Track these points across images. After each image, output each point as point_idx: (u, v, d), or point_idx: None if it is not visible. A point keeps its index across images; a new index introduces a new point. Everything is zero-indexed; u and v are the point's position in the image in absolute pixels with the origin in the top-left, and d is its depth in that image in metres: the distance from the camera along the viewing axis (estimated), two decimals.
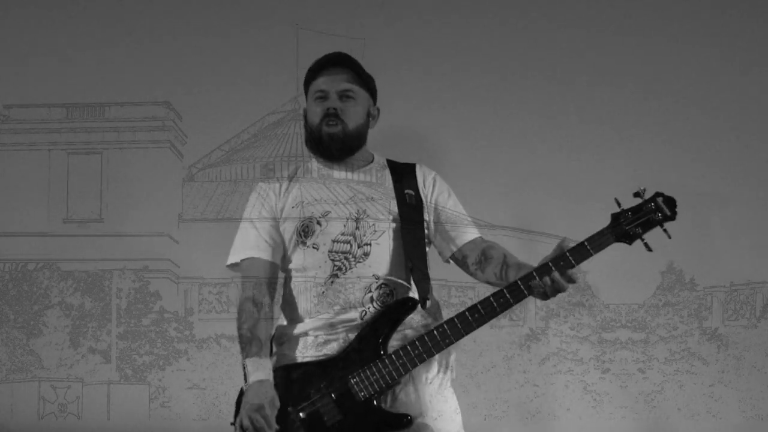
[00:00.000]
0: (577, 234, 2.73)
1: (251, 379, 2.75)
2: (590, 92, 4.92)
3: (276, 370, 2.81)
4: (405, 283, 2.85)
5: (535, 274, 2.67)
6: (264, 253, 2.88)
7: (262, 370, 2.77)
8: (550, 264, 2.66)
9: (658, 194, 2.66)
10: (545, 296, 2.71)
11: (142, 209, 5.02)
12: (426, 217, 2.93)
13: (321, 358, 2.81)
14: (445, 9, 4.98)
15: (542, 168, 4.77)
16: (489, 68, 4.95)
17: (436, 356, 2.79)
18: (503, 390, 4.86)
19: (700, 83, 4.91)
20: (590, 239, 2.68)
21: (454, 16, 4.98)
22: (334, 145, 2.87)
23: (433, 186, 2.96)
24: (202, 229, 5.02)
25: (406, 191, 2.91)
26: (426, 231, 2.93)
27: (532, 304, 4.89)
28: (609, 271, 4.84)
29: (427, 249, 2.93)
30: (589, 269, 4.87)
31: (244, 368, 2.78)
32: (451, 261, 2.97)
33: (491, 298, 2.72)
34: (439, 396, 2.85)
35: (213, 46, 5.03)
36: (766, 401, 4.81)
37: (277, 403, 2.73)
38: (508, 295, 2.70)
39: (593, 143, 4.87)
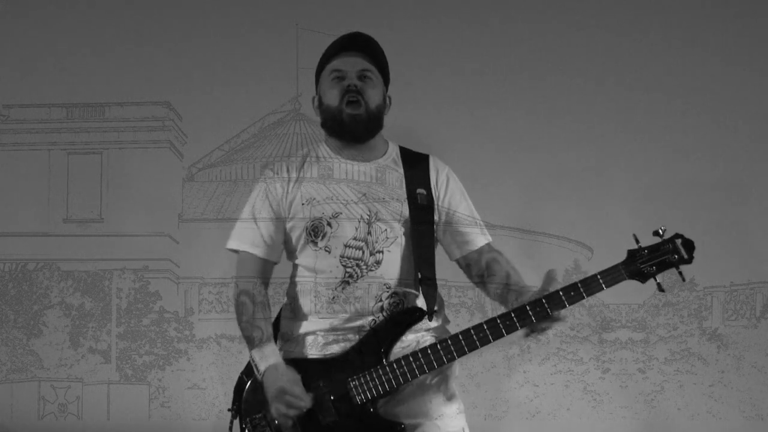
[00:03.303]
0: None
1: (261, 367, 2.74)
2: (594, 93, 4.92)
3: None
4: (414, 291, 2.83)
5: (530, 311, 2.67)
6: (259, 251, 2.86)
7: (269, 356, 2.75)
8: (561, 294, 2.65)
9: (677, 236, 2.65)
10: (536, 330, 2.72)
11: (142, 209, 5.02)
12: (436, 217, 2.90)
13: (325, 357, 2.81)
14: (446, 9, 4.98)
15: (547, 167, 4.76)
16: (490, 68, 4.95)
17: None
18: (503, 390, 4.86)
19: (701, 85, 4.91)
20: (603, 273, 2.66)
21: (454, 16, 4.98)
22: (357, 126, 2.82)
23: (446, 186, 2.92)
24: (202, 229, 5.02)
25: (418, 191, 2.87)
26: (435, 233, 2.90)
27: None
28: None
29: (435, 252, 2.90)
30: (589, 269, 4.87)
31: (252, 361, 2.77)
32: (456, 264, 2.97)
33: (498, 320, 2.71)
34: (441, 396, 2.85)
35: (213, 46, 5.03)
36: (766, 401, 4.81)
37: (297, 377, 2.71)
38: (515, 319, 2.69)
39: (596, 143, 4.87)
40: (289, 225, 2.86)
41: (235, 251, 2.89)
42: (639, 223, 4.81)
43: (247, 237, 2.87)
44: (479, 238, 2.92)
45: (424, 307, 2.81)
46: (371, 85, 2.84)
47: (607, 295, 4.89)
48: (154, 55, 5.04)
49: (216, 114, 5.03)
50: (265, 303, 2.85)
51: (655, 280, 2.65)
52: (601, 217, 4.62)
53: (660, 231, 2.64)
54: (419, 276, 2.82)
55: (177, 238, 5.03)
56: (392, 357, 2.74)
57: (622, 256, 2.66)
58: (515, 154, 4.85)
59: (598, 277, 2.65)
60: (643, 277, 2.66)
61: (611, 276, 2.65)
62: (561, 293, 2.65)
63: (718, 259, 4.87)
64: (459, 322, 3.15)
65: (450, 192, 2.92)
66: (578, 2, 4.98)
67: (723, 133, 4.90)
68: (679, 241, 2.64)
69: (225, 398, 4.92)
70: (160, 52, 5.04)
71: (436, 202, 2.89)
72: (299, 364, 2.81)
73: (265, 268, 2.87)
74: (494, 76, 4.95)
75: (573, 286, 2.65)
